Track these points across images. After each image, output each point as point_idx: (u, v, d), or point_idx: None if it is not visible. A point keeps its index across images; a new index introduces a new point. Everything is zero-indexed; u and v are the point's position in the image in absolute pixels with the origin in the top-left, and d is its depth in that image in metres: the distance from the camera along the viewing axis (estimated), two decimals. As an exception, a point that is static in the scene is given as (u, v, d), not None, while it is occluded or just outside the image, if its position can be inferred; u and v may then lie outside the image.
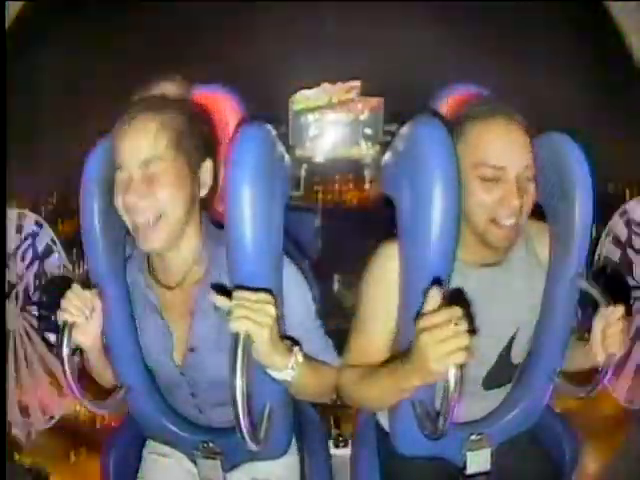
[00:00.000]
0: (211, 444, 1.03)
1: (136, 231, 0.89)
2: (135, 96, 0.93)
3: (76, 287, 0.89)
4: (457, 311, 0.71)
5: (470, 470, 1.05)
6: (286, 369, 0.83)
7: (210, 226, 0.96)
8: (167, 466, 1.10)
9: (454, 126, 0.93)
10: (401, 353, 0.83)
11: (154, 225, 0.87)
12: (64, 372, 0.87)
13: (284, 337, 0.86)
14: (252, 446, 0.77)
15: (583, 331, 1.03)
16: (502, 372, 1.04)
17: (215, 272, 0.93)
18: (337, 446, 1.45)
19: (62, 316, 0.87)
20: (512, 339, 1.01)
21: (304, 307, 0.95)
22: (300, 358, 0.85)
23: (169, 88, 0.93)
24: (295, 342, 0.88)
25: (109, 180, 0.92)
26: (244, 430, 0.74)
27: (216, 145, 0.97)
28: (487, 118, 0.92)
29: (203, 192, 0.93)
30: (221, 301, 0.78)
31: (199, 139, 0.91)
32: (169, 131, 0.87)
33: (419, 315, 0.76)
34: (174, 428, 1.04)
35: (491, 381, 1.03)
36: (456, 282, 0.93)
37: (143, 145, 0.86)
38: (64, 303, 0.87)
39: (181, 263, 0.94)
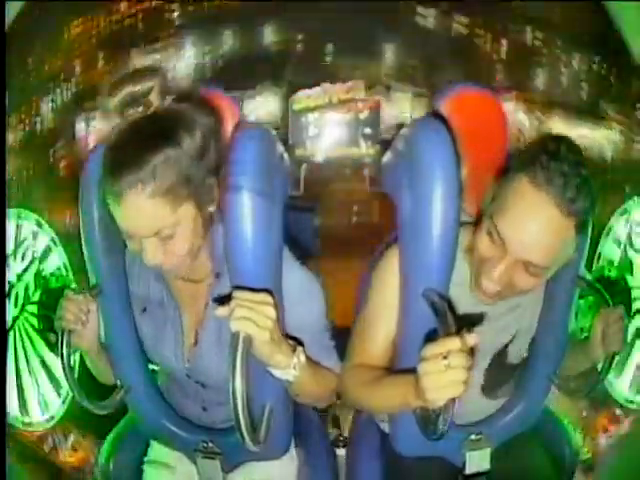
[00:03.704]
0: (211, 444, 1.03)
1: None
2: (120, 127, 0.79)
3: (70, 294, 0.89)
4: (458, 343, 0.69)
5: (469, 470, 1.05)
6: (288, 368, 0.83)
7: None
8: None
9: (509, 165, 0.83)
10: (406, 371, 0.82)
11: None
12: (65, 373, 0.88)
13: (288, 337, 0.86)
14: (252, 446, 0.77)
15: (582, 331, 1.03)
16: (501, 375, 1.03)
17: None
18: (337, 446, 1.45)
19: (59, 324, 0.87)
20: (507, 344, 1.01)
21: (313, 310, 0.94)
22: (303, 359, 0.85)
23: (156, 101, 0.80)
24: (299, 342, 0.88)
25: None
26: (244, 430, 0.74)
27: (220, 154, 0.84)
28: (534, 183, 0.77)
29: (212, 208, 0.86)
30: (223, 311, 0.77)
31: (202, 170, 0.81)
32: (170, 193, 0.77)
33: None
34: (174, 428, 1.05)
35: (492, 387, 1.03)
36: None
37: (148, 222, 0.78)
38: (59, 311, 0.88)
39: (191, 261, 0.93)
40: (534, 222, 0.77)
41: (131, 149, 0.77)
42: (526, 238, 0.78)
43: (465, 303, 0.93)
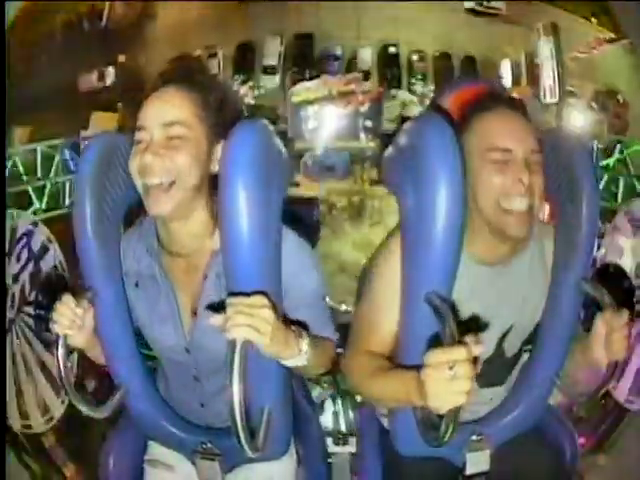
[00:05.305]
0: (210, 445, 1.03)
1: (147, 194, 0.88)
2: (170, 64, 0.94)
3: (66, 297, 0.88)
4: (465, 353, 0.69)
5: (469, 470, 1.05)
6: (299, 355, 0.83)
7: None
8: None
9: (462, 122, 0.94)
10: (412, 367, 0.82)
11: (166, 190, 0.87)
12: (61, 377, 0.87)
13: (291, 322, 0.85)
14: (250, 452, 0.77)
15: (584, 331, 1.02)
16: (495, 368, 1.03)
17: None
18: (337, 444, 1.46)
19: (55, 328, 0.87)
20: (504, 336, 1.00)
21: (312, 278, 0.95)
22: (308, 343, 0.85)
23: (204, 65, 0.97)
24: (301, 324, 0.88)
25: (103, 179, 0.91)
26: (242, 438, 0.74)
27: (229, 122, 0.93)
28: (491, 108, 0.94)
29: (214, 168, 0.91)
30: (217, 320, 0.76)
31: (222, 118, 0.91)
32: (198, 102, 0.90)
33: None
34: (173, 429, 1.04)
35: (484, 378, 1.03)
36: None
37: (169, 108, 0.88)
38: (55, 315, 0.87)
39: (186, 235, 0.93)
40: (513, 123, 0.93)
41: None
42: (519, 134, 0.91)
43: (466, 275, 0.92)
